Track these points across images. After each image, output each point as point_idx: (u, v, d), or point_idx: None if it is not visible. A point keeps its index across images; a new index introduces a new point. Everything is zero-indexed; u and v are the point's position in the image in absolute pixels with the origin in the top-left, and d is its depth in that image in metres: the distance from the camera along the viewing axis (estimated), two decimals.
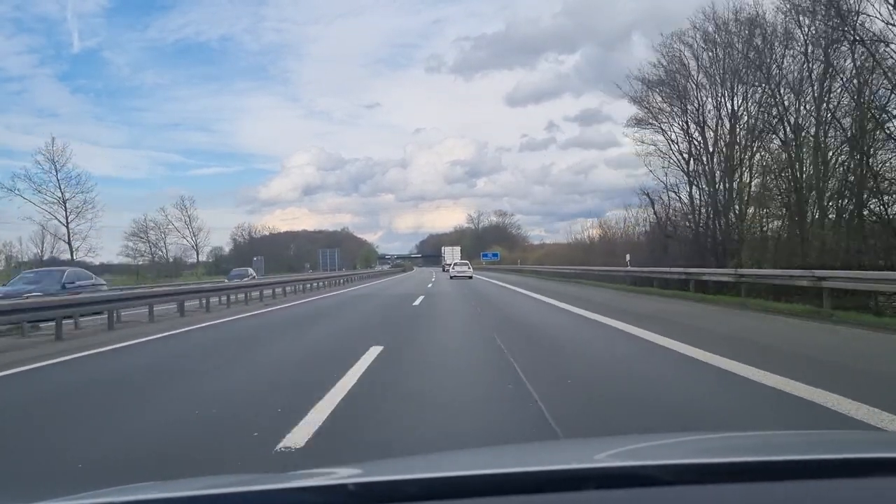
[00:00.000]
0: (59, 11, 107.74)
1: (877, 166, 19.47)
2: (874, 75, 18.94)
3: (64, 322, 10.90)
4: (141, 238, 66.20)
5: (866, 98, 19.39)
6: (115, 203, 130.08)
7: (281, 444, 3.80)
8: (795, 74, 21.95)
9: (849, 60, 19.83)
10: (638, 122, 28.41)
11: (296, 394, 5.37)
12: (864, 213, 19.71)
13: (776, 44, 22.64)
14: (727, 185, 24.94)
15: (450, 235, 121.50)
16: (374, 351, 7.68)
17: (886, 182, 19.12)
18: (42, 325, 11.72)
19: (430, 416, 4.65)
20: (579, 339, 9.35)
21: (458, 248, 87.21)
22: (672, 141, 27.59)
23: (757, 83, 23.63)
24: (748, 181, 24.88)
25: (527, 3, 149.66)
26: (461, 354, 8.07)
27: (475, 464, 1.43)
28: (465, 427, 4.31)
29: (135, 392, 5.93)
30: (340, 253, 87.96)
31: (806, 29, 21.22)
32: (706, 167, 26.08)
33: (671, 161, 27.50)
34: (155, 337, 10.58)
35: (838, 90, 20.82)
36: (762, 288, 16.48)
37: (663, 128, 27.77)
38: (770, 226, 23.82)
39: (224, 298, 18.32)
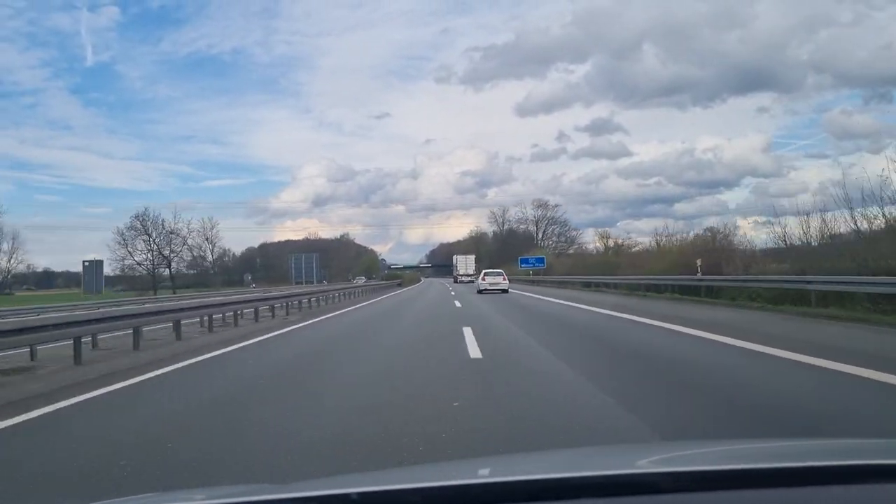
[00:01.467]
0: (73, 25, 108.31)
1: None
2: None
3: None
4: None
5: None
6: (128, 215, 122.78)
7: None
8: None
9: None
10: None
11: None
12: None
13: None
14: None
15: (463, 243, 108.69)
16: None
17: None
18: None
19: None
20: None
21: (471, 257, 76.05)
22: None
23: None
24: None
25: (536, 13, 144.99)
26: None
27: (487, 472, 1.35)
28: None
29: None
30: (321, 259, 69.72)
31: None
32: None
33: None
34: None
35: None
36: None
37: None
38: None
39: None
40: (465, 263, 73.89)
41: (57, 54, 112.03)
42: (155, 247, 66.44)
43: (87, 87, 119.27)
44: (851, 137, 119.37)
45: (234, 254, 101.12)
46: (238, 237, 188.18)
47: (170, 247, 67.85)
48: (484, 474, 1.27)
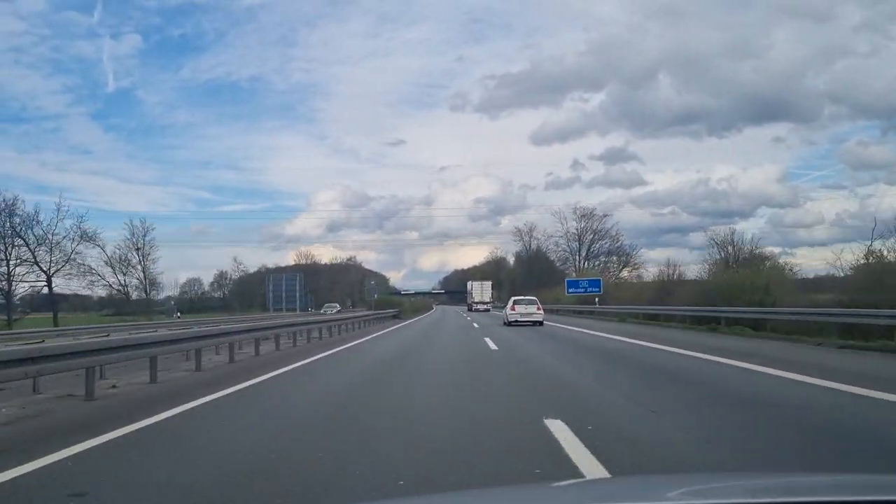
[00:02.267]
0: (96, 53, 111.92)
1: None
2: None
3: None
4: None
5: None
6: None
7: None
8: None
9: None
10: None
11: None
12: None
13: None
14: None
15: (480, 268, 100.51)
16: None
17: None
18: None
19: None
20: None
21: (487, 284, 70.75)
22: None
23: None
24: None
25: (551, 42, 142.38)
26: None
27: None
28: None
29: None
30: (329, 285, 55.71)
31: None
32: None
33: None
34: None
35: None
36: None
37: None
38: None
39: None
40: (480, 290, 69.17)
41: (79, 80, 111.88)
42: (27, 255, 44.89)
43: (107, 113, 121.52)
44: (868, 168, 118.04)
45: (232, 277, 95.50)
46: (249, 261, 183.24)
47: (51, 256, 46.14)
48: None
